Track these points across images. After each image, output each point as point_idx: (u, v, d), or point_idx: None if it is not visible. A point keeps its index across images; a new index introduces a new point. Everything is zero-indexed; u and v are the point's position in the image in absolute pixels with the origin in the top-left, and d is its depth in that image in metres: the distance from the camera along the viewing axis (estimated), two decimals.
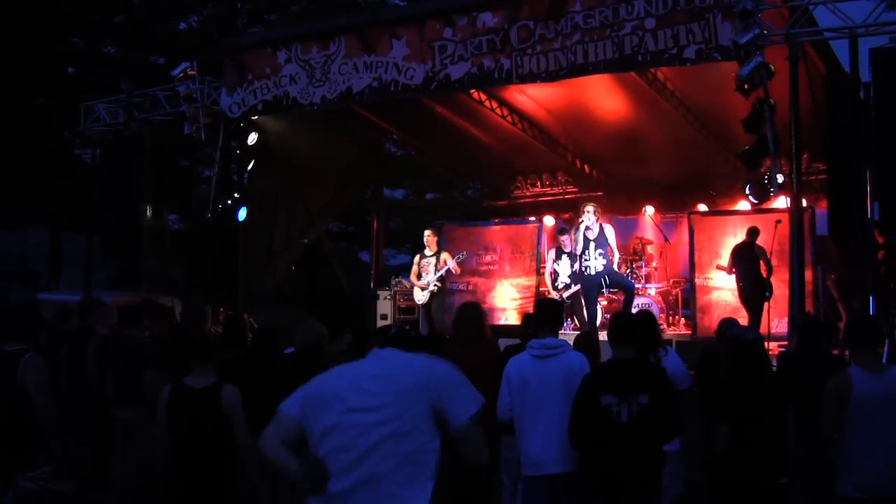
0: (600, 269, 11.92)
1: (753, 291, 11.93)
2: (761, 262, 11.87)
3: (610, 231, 12.15)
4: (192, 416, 5.42)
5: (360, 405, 3.50)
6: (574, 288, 12.41)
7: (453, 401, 3.53)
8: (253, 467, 5.51)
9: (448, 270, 13.18)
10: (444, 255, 13.25)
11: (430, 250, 13.38)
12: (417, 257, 13.62)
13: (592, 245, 11.97)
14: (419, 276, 13.35)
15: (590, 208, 12.03)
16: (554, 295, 12.57)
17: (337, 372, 3.71)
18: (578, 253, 12.11)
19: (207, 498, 5.43)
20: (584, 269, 12.10)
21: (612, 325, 5.86)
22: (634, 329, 5.73)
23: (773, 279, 11.61)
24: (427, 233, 13.62)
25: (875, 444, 5.36)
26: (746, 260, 12.08)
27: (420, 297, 13.40)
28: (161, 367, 7.05)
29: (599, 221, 12.07)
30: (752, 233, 12.17)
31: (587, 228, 11.97)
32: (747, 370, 5.69)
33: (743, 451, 5.53)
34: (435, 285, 13.19)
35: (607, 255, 11.95)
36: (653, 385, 5.34)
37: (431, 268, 13.25)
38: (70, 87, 23.31)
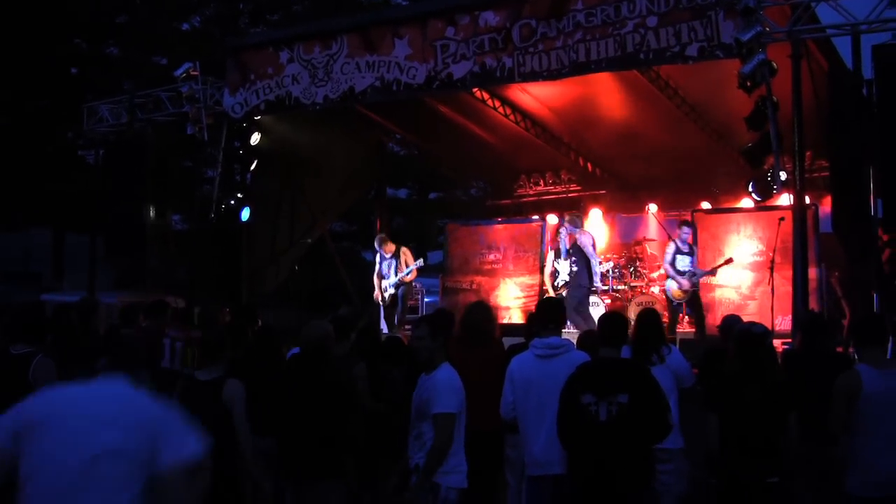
0: (583, 282, 12.02)
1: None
2: None
3: (585, 240, 12.15)
4: (194, 406, 5.46)
5: None
6: None
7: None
8: (255, 464, 5.60)
9: (409, 272, 13.35)
10: (406, 256, 13.43)
11: (388, 253, 13.55)
12: (377, 257, 13.80)
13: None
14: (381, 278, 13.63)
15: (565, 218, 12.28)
16: (553, 294, 12.58)
17: None
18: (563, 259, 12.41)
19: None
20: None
21: (599, 324, 5.87)
22: (621, 328, 5.70)
23: (776, 275, 11.53)
24: (378, 238, 13.97)
25: (885, 441, 5.35)
26: None
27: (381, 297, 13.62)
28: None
29: (569, 233, 12.20)
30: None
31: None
32: (753, 364, 5.69)
33: (738, 445, 5.53)
34: (395, 287, 13.38)
35: (581, 267, 11.97)
36: (633, 384, 5.28)
37: (392, 270, 13.41)
38: (73, 88, 23.36)
